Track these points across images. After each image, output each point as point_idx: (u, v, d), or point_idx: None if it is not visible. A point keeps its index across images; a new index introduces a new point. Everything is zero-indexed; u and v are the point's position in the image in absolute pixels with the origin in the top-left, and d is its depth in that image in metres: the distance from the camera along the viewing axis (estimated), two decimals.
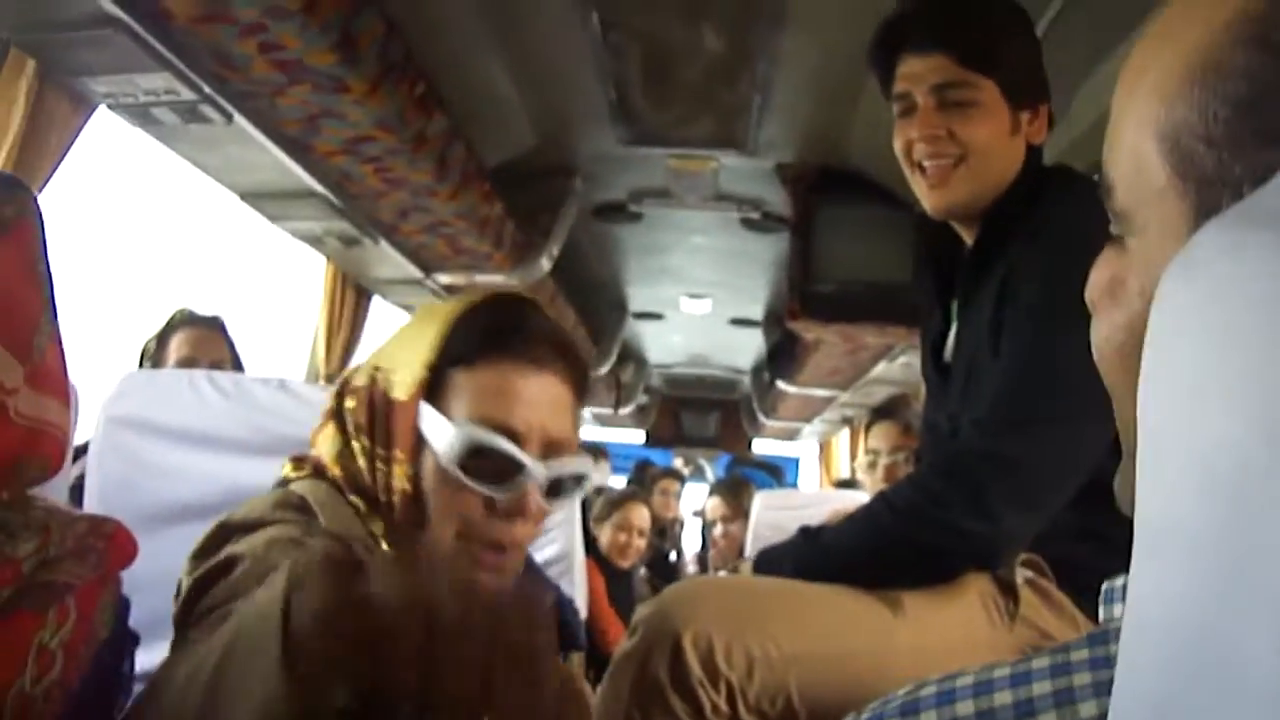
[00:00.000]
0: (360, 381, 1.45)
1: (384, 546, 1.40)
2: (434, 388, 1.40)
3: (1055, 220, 1.83)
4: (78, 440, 2.02)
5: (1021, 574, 1.83)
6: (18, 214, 1.11)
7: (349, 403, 1.45)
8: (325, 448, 1.45)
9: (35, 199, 1.16)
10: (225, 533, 1.30)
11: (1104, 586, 0.71)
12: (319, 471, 1.44)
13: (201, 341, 3.09)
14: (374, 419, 1.43)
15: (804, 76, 3.22)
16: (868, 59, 2.04)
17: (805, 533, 1.94)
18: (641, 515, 4.97)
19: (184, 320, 3.16)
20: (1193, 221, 0.58)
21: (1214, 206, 0.55)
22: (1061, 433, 1.72)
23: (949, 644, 1.73)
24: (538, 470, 1.40)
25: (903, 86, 1.96)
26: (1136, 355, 0.60)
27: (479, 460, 1.37)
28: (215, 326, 3.14)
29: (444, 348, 1.42)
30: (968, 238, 1.99)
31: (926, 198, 1.96)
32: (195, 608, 1.21)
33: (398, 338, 1.48)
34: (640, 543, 4.98)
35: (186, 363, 3.05)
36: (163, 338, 3.18)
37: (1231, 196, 0.54)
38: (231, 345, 3.10)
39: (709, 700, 1.70)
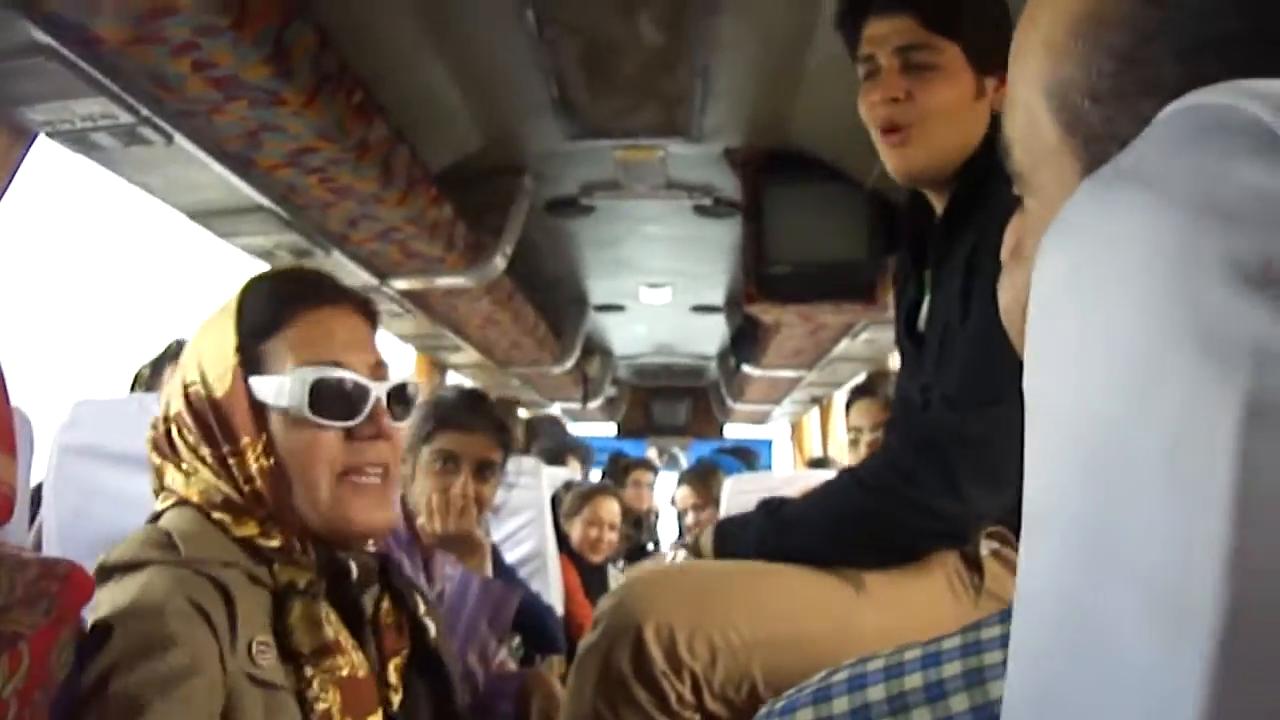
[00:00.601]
0: (175, 406, 1.50)
1: (262, 544, 1.46)
2: (249, 368, 1.47)
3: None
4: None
5: (987, 545, 1.84)
6: None
7: (173, 430, 1.50)
8: (178, 485, 1.49)
9: None
10: (105, 574, 1.36)
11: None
12: (185, 500, 1.48)
13: None
14: (206, 426, 1.47)
15: (744, 61, 3.21)
16: (835, 21, 2.04)
17: (767, 506, 1.94)
18: (610, 509, 4.97)
19: (178, 351, 3.16)
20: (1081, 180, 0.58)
21: (1102, 163, 0.55)
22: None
23: (913, 621, 1.73)
24: (379, 389, 1.52)
25: (868, 49, 1.97)
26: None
27: (323, 400, 1.47)
28: None
29: (242, 327, 1.50)
30: (938, 206, 1.99)
31: (887, 160, 1.97)
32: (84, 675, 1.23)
33: (192, 349, 1.55)
34: (611, 536, 4.98)
35: None
36: (157, 365, 3.17)
37: (1119, 152, 0.54)
38: None
39: (674, 691, 1.71)
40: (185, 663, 1.26)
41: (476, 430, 2.77)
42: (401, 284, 4.14)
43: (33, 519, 2.05)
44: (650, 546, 7.25)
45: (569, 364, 6.93)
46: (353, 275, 3.90)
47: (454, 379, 6.55)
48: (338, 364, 1.49)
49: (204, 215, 3.33)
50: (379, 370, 1.56)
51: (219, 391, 1.47)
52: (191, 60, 2.29)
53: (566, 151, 3.89)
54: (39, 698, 1.13)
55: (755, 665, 1.73)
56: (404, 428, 1.60)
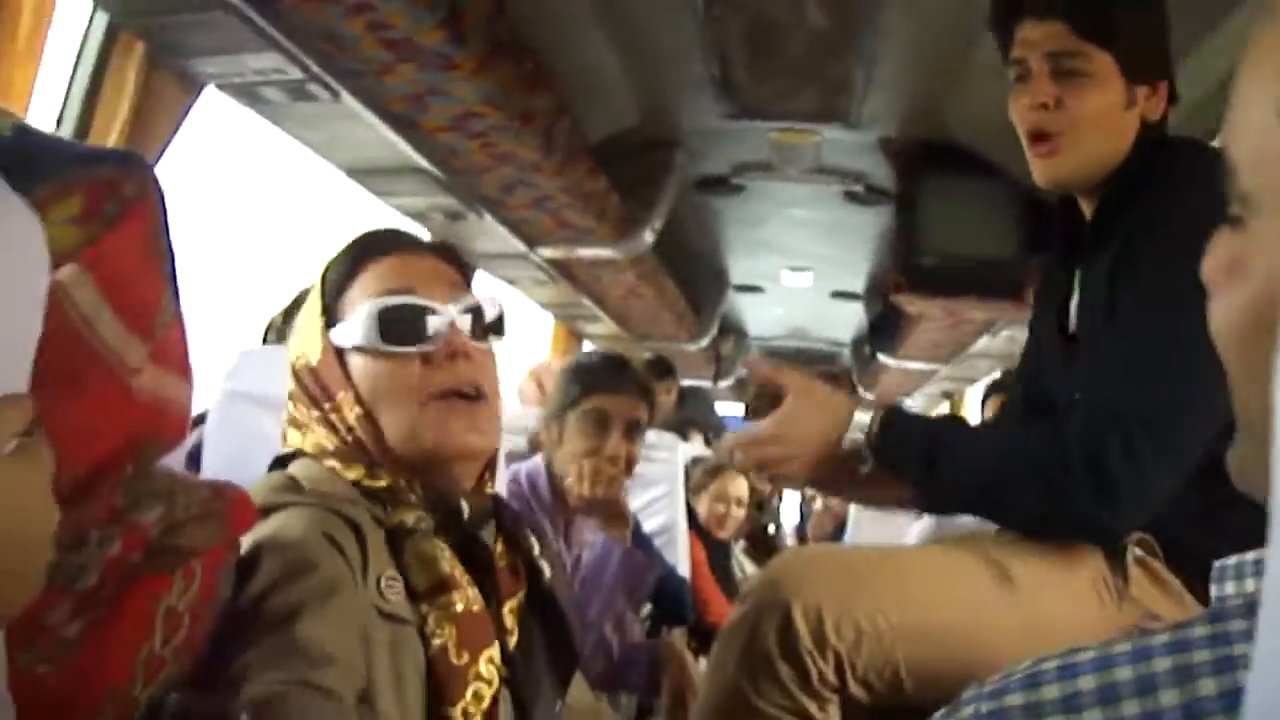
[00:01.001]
0: (289, 385, 1.56)
1: (368, 484, 1.49)
2: (332, 325, 1.51)
3: (1172, 197, 1.80)
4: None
5: (1132, 552, 1.82)
6: (138, 192, 1.14)
7: (291, 405, 1.56)
8: (306, 445, 1.53)
9: (155, 176, 1.18)
10: None
11: (1216, 565, 0.71)
12: (299, 451, 1.54)
13: None
14: (310, 393, 1.52)
15: (908, 50, 3.19)
16: (989, 23, 2.02)
17: (936, 435, 1.88)
18: (739, 486, 4.96)
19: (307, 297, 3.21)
20: None
21: None
22: (1179, 421, 1.69)
23: (1057, 621, 1.72)
24: (447, 310, 1.50)
25: (1019, 52, 1.93)
26: (1258, 336, 0.61)
27: (391, 328, 1.47)
28: None
29: (325, 291, 1.53)
30: (1087, 209, 1.98)
31: (1034, 167, 1.95)
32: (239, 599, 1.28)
33: (295, 327, 1.62)
34: (738, 513, 4.98)
35: None
36: (289, 313, 3.23)
37: None
38: None
39: (816, 669, 1.71)
40: (334, 578, 1.31)
41: (624, 391, 2.79)
42: (548, 252, 4.18)
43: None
44: (771, 529, 7.25)
45: (704, 342, 6.93)
46: (502, 241, 3.95)
47: (589, 349, 6.59)
48: (406, 291, 1.50)
49: (362, 173, 3.40)
50: (456, 291, 1.55)
51: (314, 358, 1.50)
52: (366, 20, 2.33)
53: (722, 130, 3.89)
54: (206, 614, 1.18)
55: (899, 651, 1.73)
56: (489, 349, 1.57)
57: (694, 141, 4.06)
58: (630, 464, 2.77)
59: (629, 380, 2.84)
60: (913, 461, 1.86)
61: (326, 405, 1.49)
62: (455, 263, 1.63)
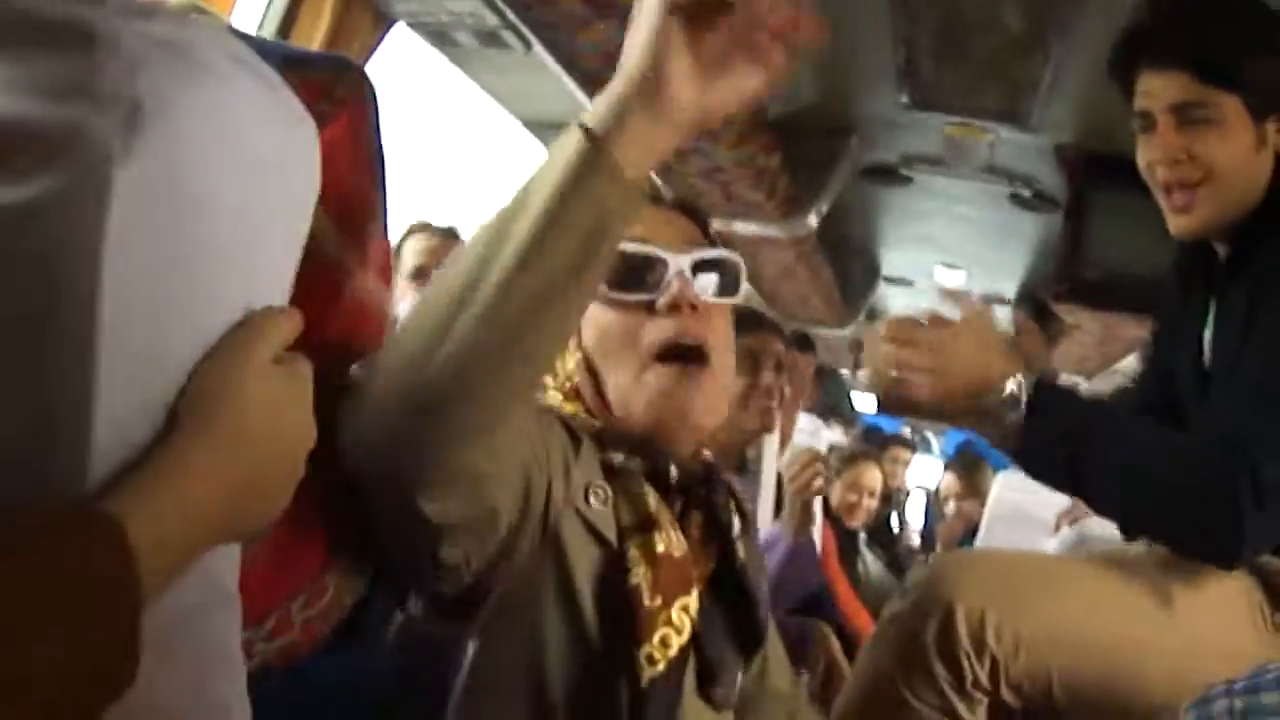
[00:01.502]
0: None
1: (585, 418, 1.50)
2: None
3: None
4: None
5: None
6: (350, 94, 1.17)
7: None
8: None
9: (368, 79, 1.21)
10: None
11: None
12: None
13: (434, 251, 3.20)
14: None
15: (1096, 59, 3.14)
16: (1107, 72, 1.98)
17: (1083, 425, 1.83)
18: (874, 476, 4.97)
19: (419, 229, 3.26)
20: None
21: None
22: None
23: (1213, 645, 1.72)
24: (675, 260, 1.48)
25: (1142, 104, 1.92)
26: None
27: (623, 275, 1.46)
28: (451, 236, 3.25)
29: None
30: (1221, 250, 1.94)
31: (1171, 221, 1.92)
32: None
33: None
34: (870, 503, 4.98)
35: (419, 272, 3.19)
36: (397, 249, 3.29)
37: None
38: None
39: (972, 672, 1.73)
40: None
41: (766, 330, 2.97)
42: (714, 224, 4.20)
43: None
44: (895, 525, 7.22)
45: (848, 330, 6.90)
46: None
47: None
48: (638, 240, 1.46)
49: (541, 127, 3.44)
50: (690, 245, 1.52)
51: None
52: None
53: (897, 119, 3.87)
54: None
55: (1055, 662, 1.74)
56: (722, 306, 1.54)
57: (869, 128, 4.05)
58: (783, 397, 2.80)
59: (766, 322, 2.91)
60: (1054, 451, 1.82)
61: None
62: (697, 219, 1.62)
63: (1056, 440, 1.81)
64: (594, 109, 1.08)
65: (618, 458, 1.46)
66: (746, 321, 2.84)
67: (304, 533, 1.13)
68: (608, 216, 1.07)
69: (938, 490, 6.63)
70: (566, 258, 1.06)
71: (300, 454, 0.88)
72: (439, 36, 2.79)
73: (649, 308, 1.47)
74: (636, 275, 1.47)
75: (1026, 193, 4.37)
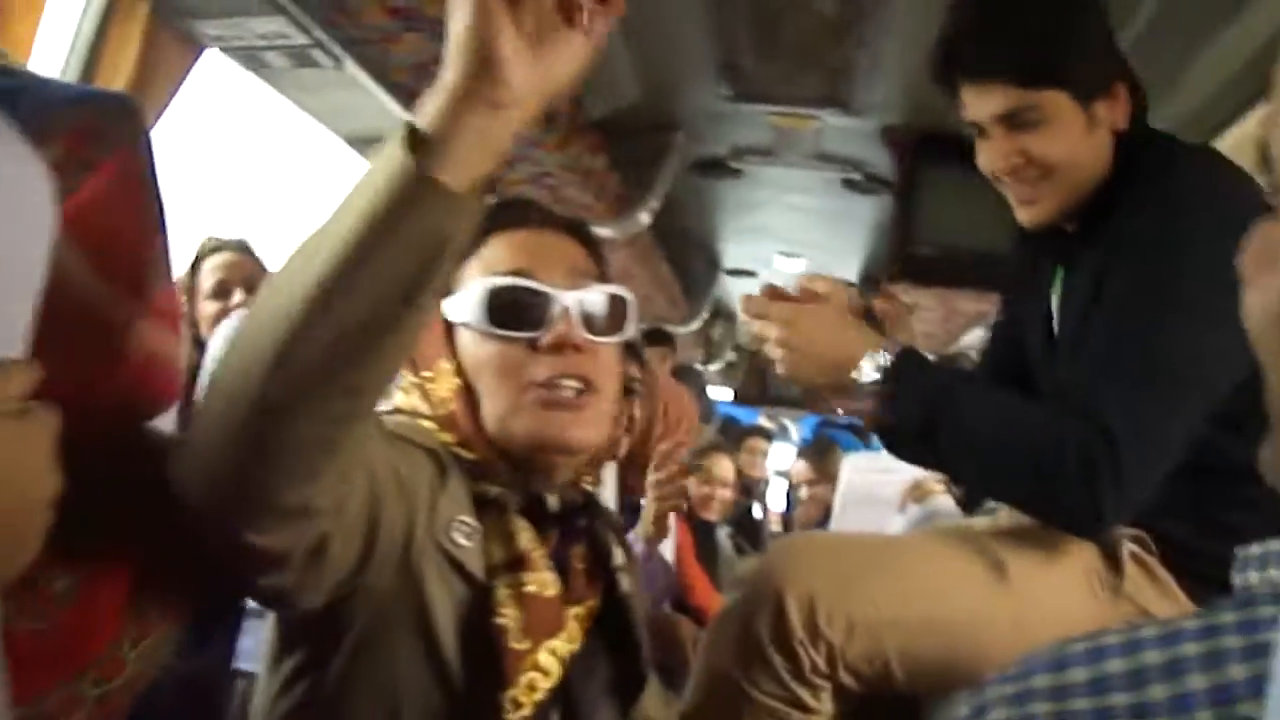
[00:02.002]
0: None
1: (460, 453, 1.44)
2: (449, 295, 1.46)
3: (1156, 195, 1.79)
4: None
5: (1126, 548, 1.82)
6: (124, 141, 1.12)
7: None
8: (399, 408, 1.50)
9: (142, 121, 1.16)
10: None
11: (1239, 554, 0.70)
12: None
13: (233, 266, 3.12)
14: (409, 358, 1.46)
15: (912, 39, 3.17)
16: (930, 79, 1.98)
17: (945, 392, 1.80)
18: (726, 467, 4.97)
19: (212, 248, 3.18)
20: None
21: None
22: (1165, 408, 1.69)
23: (1049, 614, 1.72)
24: (563, 297, 1.43)
25: (970, 115, 1.91)
26: None
27: (502, 310, 1.41)
28: (244, 250, 3.16)
29: None
30: (1069, 225, 1.95)
31: (1019, 213, 1.92)
32: None
33: None
34: (725, 494, 4.98)
35: (220, 288, 3.09)
36: (194, 267, 3.21)
37: None
38: (264, 267, 3.10)
39: (809, 659, 1.71)
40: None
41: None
42: None
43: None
44: (758, 514, 7.26)
45: (695, 325, 6.93)
46: None
47: None
48: (522, 273, 1.43)
49: (361, 142, 3.39)
50: (579, 279, 1.48)
51: None
52: None
53: (722, 112, 3.87)
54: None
55: (890, 643, 1.73)
56: (607, 342, 1.48)
57: (694, 123, 4.04)
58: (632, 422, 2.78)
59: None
60: (914, 420, 1.80)
61: (425, 373, 1.46)
62: (588, 243, 1.57)
63: (918, 408, 1.79)
64: (424, 107, 1.01)
65: (492, 490, 1.41)
66: None
67: (89, 604, 1.07)
68: (441, 240, 1.01)
69: (790, 478, 6.69)
70: (396, 285, 0.99)
71: (36, 502, 0.82)
72: (250, 59, 2.72)
73: (531, 344, 1.43)
74: (519, 311, 1.43)
75: (857, 176, 4.41)
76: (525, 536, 1.40)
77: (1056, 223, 1.94)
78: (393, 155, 0.98)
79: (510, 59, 0.99)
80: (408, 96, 2.92)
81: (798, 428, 10.38)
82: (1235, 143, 2.68)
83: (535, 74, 1.02)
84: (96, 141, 1.07)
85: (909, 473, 3.78)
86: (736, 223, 5.55)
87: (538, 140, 3.16)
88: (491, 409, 1.44)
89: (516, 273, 1.43)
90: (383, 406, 1.46)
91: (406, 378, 1.47)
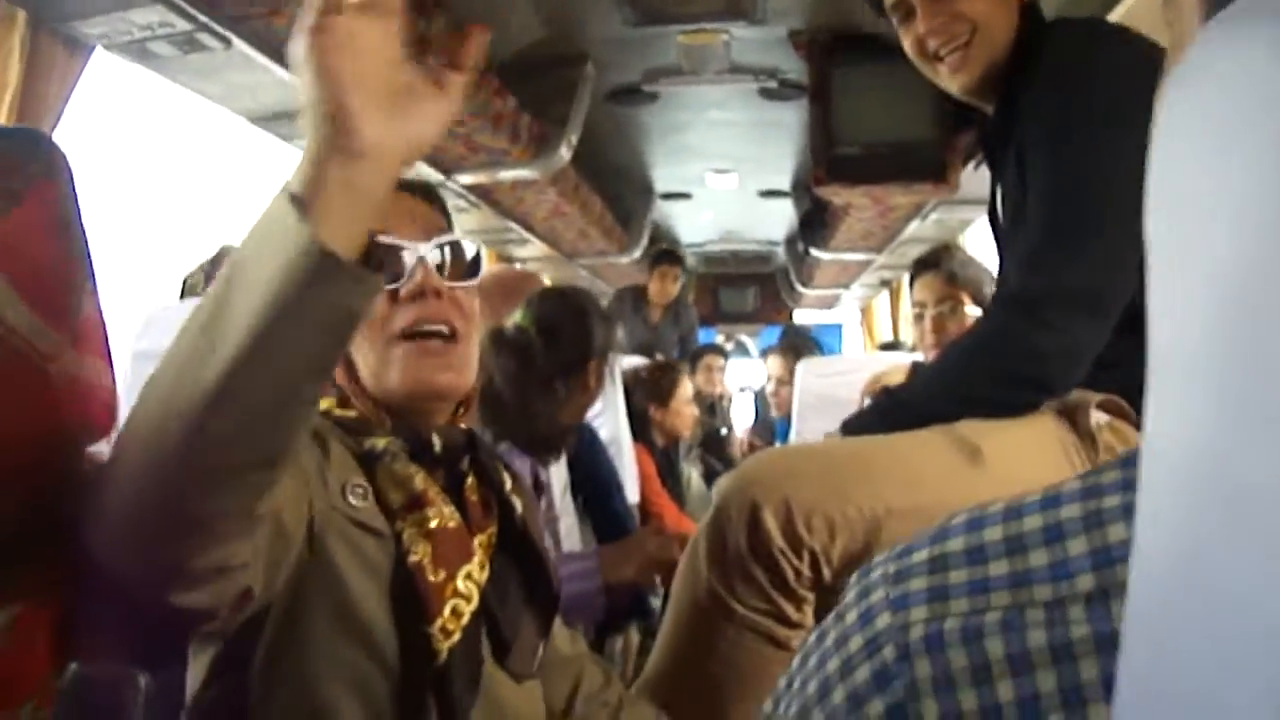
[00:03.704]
0: None
1: (338, 413, 1.48)
2: None
3: (1056, 65, 1.88)
4: None
5: (1098, 417, 1.84)
6: (44, 172, 1.12)
7: None
8: None
9: (62, 153, 1.15)
10: None
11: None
12: None
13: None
14: None
15: None
16: None
17: (888, 394, 1.96)
18: (683, 387, 4.97)
19: (206, 276, 3.18)
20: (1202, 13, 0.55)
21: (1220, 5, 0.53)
22: (1104, 241, 1.75)
23: (1032, 490, 1.73)
24: (418, 247, 1.49)
25: None
26: None
27: None
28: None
29: None
30: (988, 108, 2.04)
31: (950, 83, 2.04)
32: None
33: None
34: (689, 412, 4.98)
35: None
36: (209, 272, 3.19)
37: None
38: None
39: (791, 568, 1.73)
40: None
41: None
42: (466, 179, 4.14)
43: None
44: (724, 432, 7.29)
45: (636, 253, 6.91)
46: (417, 171, 3.90)
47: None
48: (378, 232, 1.44)
49: (264, 119, 3.36)
50: (429, 231, 1.53)
51: None
52: None
53: (628, 38, 3.84)
54: None
55: (874, 539, 1.75)
56: (465, 288, 1.54)
57: (602, 52, 4.01)
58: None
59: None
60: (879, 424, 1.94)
61: None
62: (433, 202, 1.62)
63: (875, 412, 2.00)
64: (295, 170, 1.00)
65: (378, 444, 1.44)
66: None
67: (28, 635, 1.06)
68: (351, 317, 1.01)
69: (763, 389, 6.72)
70: (306, 364, 0.99)
71: None
72: (138, 52, 2.68)
73: (392, 296, 1.47)
74: (377, 266, 1.43)
75: (773, 84, 4.39)
76: (419, 478, 1.44)
77: (986, 86, 2.02)
78: (285, 229, 0.96)
79: (358, 112, 0.98)
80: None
81: (755, 342, 10.42)
82: (1128, 11, 2.68)
83: (390, 131, 1.01)
84: (15, 175, 1.08)
85: (863, 373, 3.80)
86: (663, 146, 5.52)
87: None
88: (364, 364, 1.48)
89: (373, 232, 1.43)
90: None
91: None
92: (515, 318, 2.85)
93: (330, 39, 0.98)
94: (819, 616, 1.79)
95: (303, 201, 0.97)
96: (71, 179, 1.15)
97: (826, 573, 1.76)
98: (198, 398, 0.94)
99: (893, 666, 0.63)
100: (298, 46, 0.99)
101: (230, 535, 1.05)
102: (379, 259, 1.09)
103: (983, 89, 2.02)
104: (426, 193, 1.62)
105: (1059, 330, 1.75)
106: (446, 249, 1.53)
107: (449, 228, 1.60)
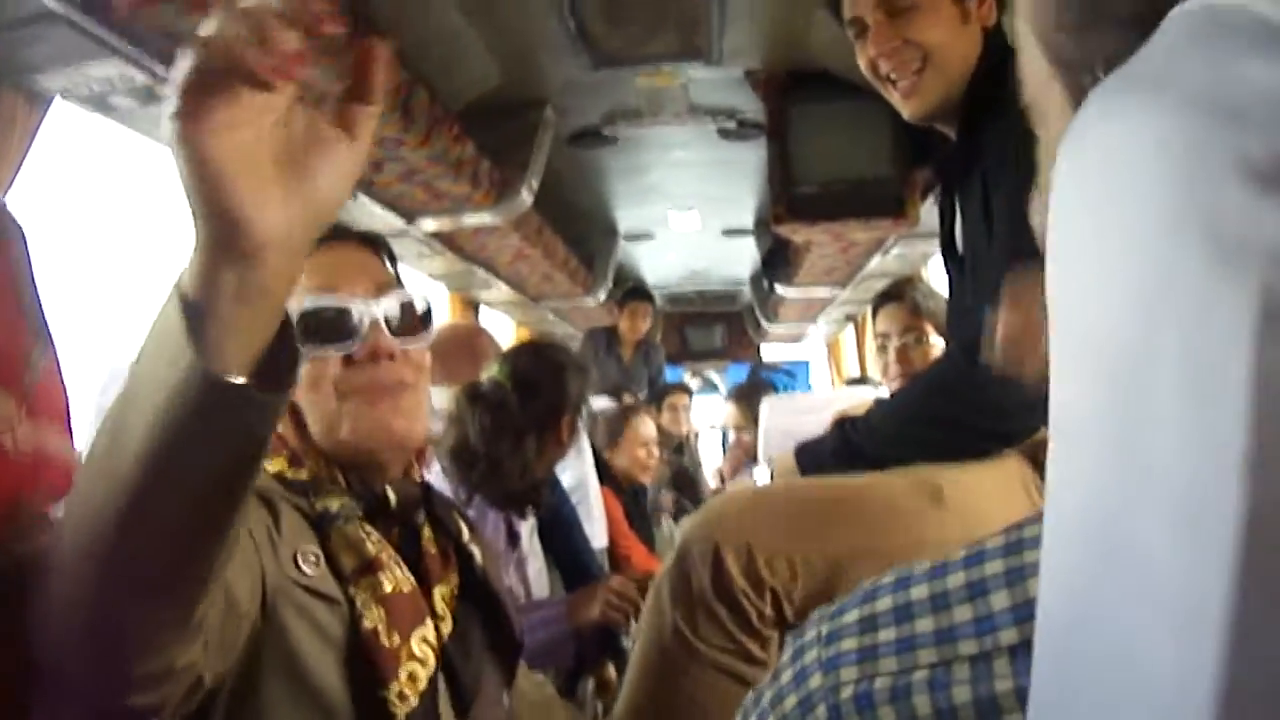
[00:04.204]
0: None
1: (290, 475, 1.46)
2: None
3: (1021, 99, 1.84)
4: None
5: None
6: None
7: None
8: None
9: (13, 216, 1.14)
10: None
11: None
12: None
13: None
14: None
15: None
16: None
17: (841, 423, 1.97)
18: (647, 426, 4.96)
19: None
20: (1070, 105, 0.58)
21: (1081, 89, 0.56)
22: None
23: (996, 527, 1.74)
24: (369, 308, 1.47)
25: (851, 12, 2.06)
26: None
27: (313, 328, 1.43)
28: None
29: None
30: (951, 133, 2.03)
31: (903, 108, 2.02)
32: None
33: None
34: (652, 453, 4.97)
35: None
36: None
37: (1091, 78, 0.54)
38: None
39: (755, 609, 1.74)
40: None
41: None
42: (430, 224, 4.13)
43: None
44: (693, 470, 7.28)
45: (602, 295, 6.91)
46: (379, 219, 3.90)
47: (487, 315, 6.55)
48: (329, 290, 1.46)
49: None
50: (381, 290, 1.52)
51: None
52: (203, 16, 2.27)
53: (587, 82, 3.86)
54: None
55: (836, 579, 1.76)
56: (417, 345, 1.55)
57: (560, 97, 4.03)
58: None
59: None
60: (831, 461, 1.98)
61: None
62: (382, 253, 1.61)
63: (830, 449, 2.00)
64: (186, 265, 0.89)
65: (331, 505, 1.43)
66: None
67: None
68: (257, 440, 0.94)
69: (724, 424, 6.72)
70: (213, 486, 0.93)
71: None
72: (97, 104, 2.67)
73: (346, 358, 1.47)
74: (329, 327, 1.45)
75: (731, 124, 4.42)
76: (371, 541, 1.43)
77: (938, 115, 2.05)
78: (175, 345, 0.86)
79: (245, 202, 0.85)
80: None
81: (724, 379, 10.42)
82: None
83: (289, 211, 0.89)
84: None
85: (830, 410, 3.80)
86: (625, 187, 5.54)
87: (400, 138, 3.12)
88: (316, 422, 1.47)
89: (321, 289, 1.46)
90: None
91: None
92: (491, 372, 2.85)
93: (204, 124, 0.83)
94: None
95: (194, 306, 0.87)
96: (24, 240, 1.14)
97: (789, 612, 1.76)
98: (110, 519, 0.91)
99: None
100: (165, 129, 0.84)
101: (168, 644, 1.03)
102: (291, 356, 0.97)
103: (938, 116, 2.04)
104: (374, 244, 1.61)
105: (1022, 385, 1.75)
106: (398, 308, 1.52)
107: (398, 280, 1.59)
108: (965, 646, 0.61)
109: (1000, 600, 0.61)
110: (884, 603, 0.66)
